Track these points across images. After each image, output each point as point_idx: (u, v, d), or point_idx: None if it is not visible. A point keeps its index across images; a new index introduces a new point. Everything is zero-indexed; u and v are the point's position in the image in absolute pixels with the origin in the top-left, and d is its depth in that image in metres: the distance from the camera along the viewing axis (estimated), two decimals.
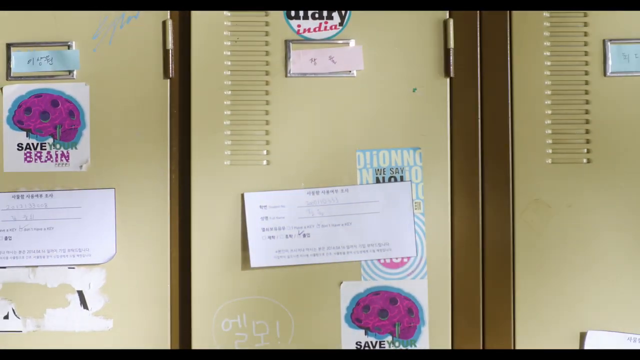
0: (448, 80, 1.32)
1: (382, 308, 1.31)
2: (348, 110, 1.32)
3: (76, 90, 1.33)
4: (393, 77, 1.32)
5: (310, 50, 1.32)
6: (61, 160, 1.33)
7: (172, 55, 1.32)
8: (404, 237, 1.31)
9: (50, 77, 1.33)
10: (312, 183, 1.31)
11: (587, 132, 1.30)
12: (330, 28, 1.32)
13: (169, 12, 1.34)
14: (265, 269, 1.31)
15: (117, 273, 1.32)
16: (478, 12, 1.33)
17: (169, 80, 1.33)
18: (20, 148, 1.33)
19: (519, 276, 1.31)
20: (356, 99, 1.32)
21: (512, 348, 1.32)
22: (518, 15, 1.32)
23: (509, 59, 1.32)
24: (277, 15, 1.32)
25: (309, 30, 1.32)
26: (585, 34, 1.31)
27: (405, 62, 1.32)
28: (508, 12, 1.33)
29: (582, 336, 1.29)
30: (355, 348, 1.32)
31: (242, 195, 1.31)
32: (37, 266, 1.32)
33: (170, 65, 1.32)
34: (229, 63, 1.32)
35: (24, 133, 1.33)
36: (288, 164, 1.32)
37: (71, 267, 1.32)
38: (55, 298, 1.32)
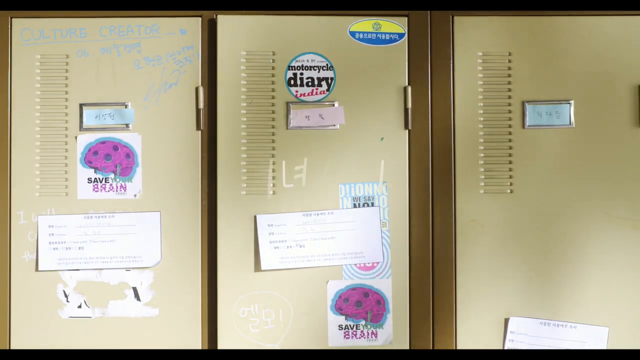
0: (407, 131, 1.44)
1: (358, 300, 1.42)
2: (333, 153, 1.43)
3: (131, 139, 1.44)
4: (366, 129, 1.43)
5: (305, 109, 1.43)
6: (120, 190, 1.44)
7: (202, 113, 1.44)
8: (374, 247, 1.42)
9: (112, 129, 1.44)
10: (306, 208, 1.43)
11: (510, 170, 1.43)
12: (320, 93, 1.43)
13: (200, 79, 1.42)
14: (272, 271, 1.42)
15: (162, 274, 1.43)
16: (429, 82, 1.43)
17: (200, 131, 1.44)
18: (89, 181, 1.44)
19: (460, 276, 1.43)
20: (339, 145, 1.43)
21: (454, 330, 1.41)
22: (459, 84, 1.43)
23: (452, 116, 1.44)
24: (281, 84, 1.44)
25: (304, 94, 1.44)
26: (509, 97, 1.44)
27: (375, 118, 1.43)
28: (452, 81, 1.43)
29: (506, 321, 1.42)
30: (338, 330, 1.41)
31: (255, 217, 1.42)
32: (102, 269, 1.44)
33: (201, 120, 1.44)
34: (245, 119, 1.44)
35: (93, 170, 1.44)
36: (288, 194, 1.43)
37: (128, 269, 1.44)
38: (116, 292, 1.44)
